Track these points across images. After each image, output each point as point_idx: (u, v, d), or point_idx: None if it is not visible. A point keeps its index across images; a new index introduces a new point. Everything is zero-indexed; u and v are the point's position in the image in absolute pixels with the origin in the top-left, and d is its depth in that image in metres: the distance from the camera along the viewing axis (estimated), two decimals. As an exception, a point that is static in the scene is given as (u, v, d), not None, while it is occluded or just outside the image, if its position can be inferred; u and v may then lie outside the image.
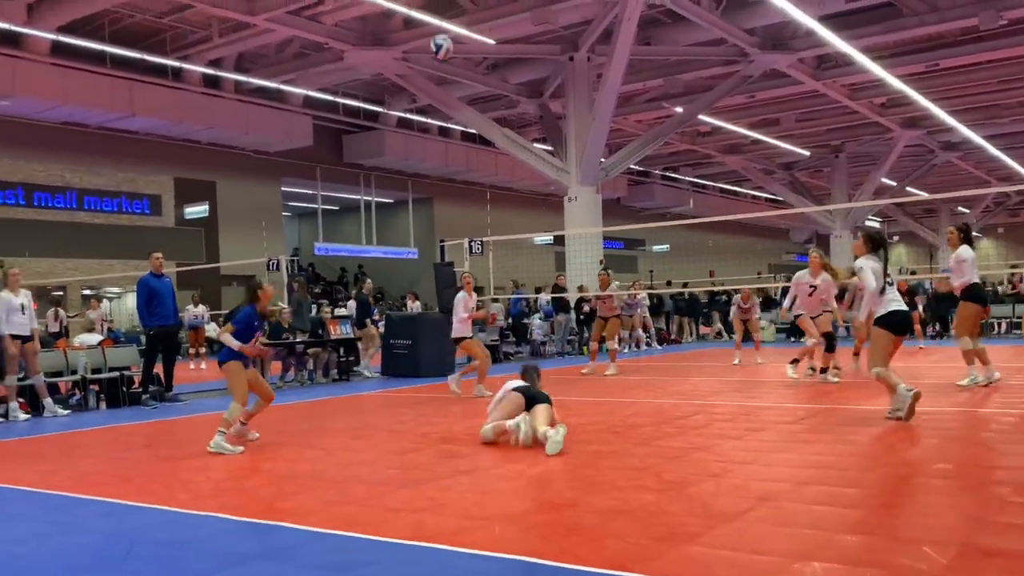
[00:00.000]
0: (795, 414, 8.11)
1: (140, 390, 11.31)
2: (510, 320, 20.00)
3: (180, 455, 7.03)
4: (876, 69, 21.57)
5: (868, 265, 7.10)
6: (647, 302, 19.84)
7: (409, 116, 28.63)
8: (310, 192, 30.50)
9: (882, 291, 7.05)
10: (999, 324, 20.88)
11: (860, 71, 22.61)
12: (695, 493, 4.94)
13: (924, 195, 39.79)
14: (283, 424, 9.02)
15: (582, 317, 18.49)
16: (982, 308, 9.30)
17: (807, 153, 34.41)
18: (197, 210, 26.05)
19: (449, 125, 29.56)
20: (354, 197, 31.82)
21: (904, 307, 7.23)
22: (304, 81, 23.65)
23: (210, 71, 22.72)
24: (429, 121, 29.17)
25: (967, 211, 49.13)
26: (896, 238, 57.73)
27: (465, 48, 20.45)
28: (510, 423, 6.77)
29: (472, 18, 18.62)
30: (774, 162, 36.66)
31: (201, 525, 4.71)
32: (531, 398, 7.03)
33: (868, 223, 50.44)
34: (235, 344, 7.17)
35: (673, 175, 41.21)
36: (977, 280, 9.19)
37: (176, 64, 22.00)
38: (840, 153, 34.84)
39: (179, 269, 25.07)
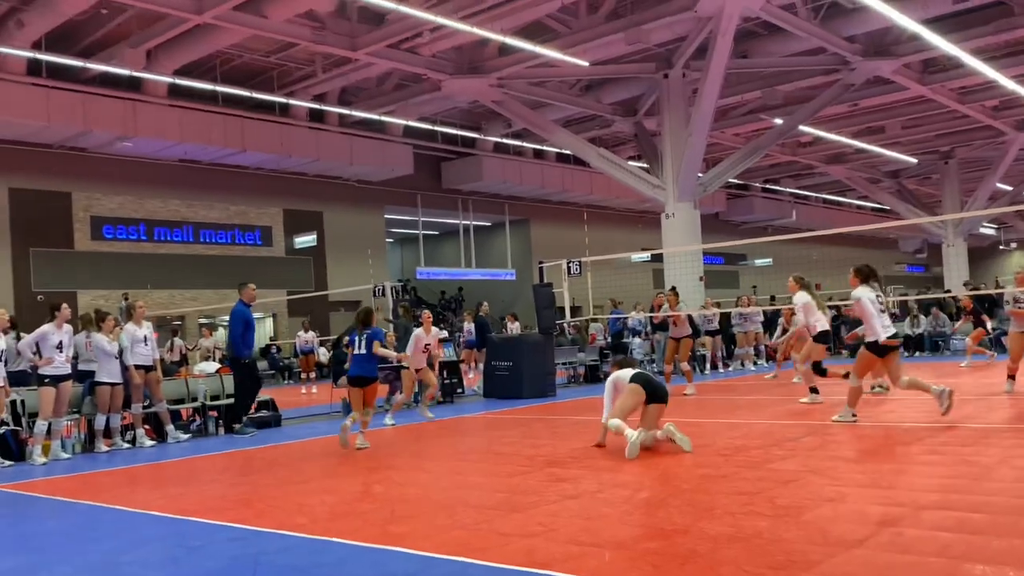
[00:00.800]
0: (912, 434, 7.81)
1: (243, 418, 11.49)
2: (609, 339, 19.90)
3: (296, 479, 7.28)
4: (987, 71, 20.68)
5: (864, 295, 8.14)
6: (760, 318, 19.19)
7: (505, 141, 28.99)
8: (411, 218, 31.19)
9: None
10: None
11: (970, 73, 21.73)
12: (811, 519, 4.83)
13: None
14: (391, 447, 9.21)
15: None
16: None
17: (915, 160, 33.17)
18: (306, 240, 26.98)
19: (544, 147, 29.77)
20: (453, 222, 32.36)
21: (893, 331, 8.21)
22: (403, 111, 24.28)
23: (315, 105, 23.57)
24: (524, 144, 29.46)
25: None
26: (1013, 245, 54.88)
27: (559, 71, 20.61)
28: (628, 433, 7.31)
29: (565, 41, 18.77)
30: (879, 170, 35.46)
31: (321, 550, 4.87)
32: (653, 391, 7.61)
33: (983, 230, 48.19)
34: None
35: (774, 187, 40.32)
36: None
37: (283, 100, 22.91)
38: (950, 159, 33.45)
39: (290, 297, 26.05)
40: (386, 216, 29.85)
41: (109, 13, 17.95)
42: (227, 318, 11.86)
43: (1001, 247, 54.81)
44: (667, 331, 18.68)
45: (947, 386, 8.28)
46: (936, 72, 23.16)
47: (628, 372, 7.79)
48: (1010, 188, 35.91)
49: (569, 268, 16.81)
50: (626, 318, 19.46)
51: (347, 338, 11.50)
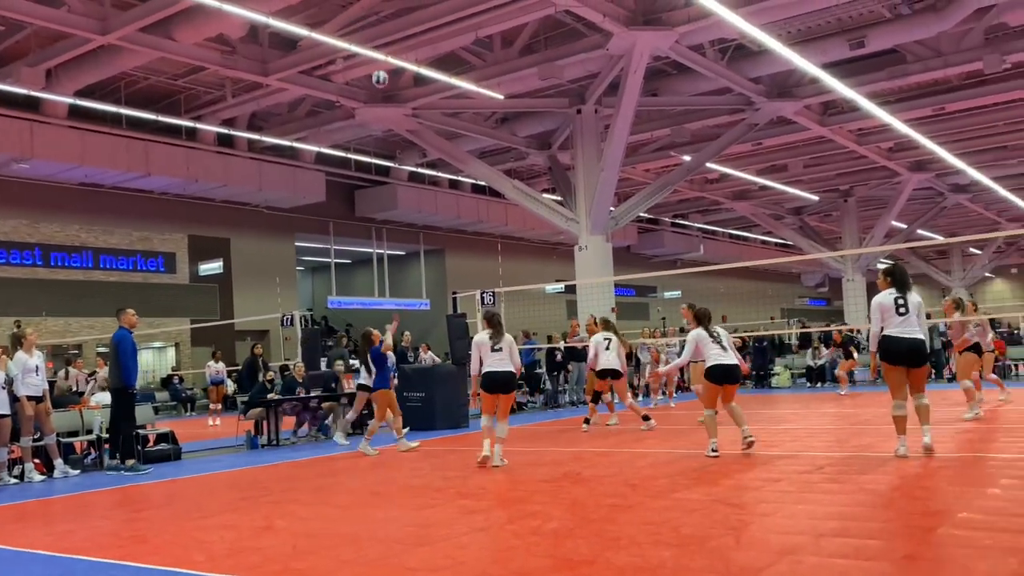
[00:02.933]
0: (813, 463, 8.03)
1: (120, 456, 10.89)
2: (522, 370, 19.92)
3: (194, 514, 7.01)
4: (882, 114, 21.72)
5: (694, 337, 8.96)
6: (675, 349, 19.57)
7: (420, 170, 28.95)
8: (323, 246, 30.75)
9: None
10: (1015, 366, 20.68)
11: (866, 116, 22.77)
12: (714, 548, 4.89)
13: (937, 238, 39.77)
14: (297, 481, 8.98)
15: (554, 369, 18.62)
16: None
17: (816, 198, 34.51)
18: (211, 267, 26.28)
19: (459, 178, 29.85)
20: (366, 250, 32.04)
21: (726, 360, 8.73)
22: (316, 138, 24.01)
23: (224, 130, 23.10)
24: (440, 174, 29.48)
25: (979, 252, 48.99)
26: (909, 280, 57.44)
27: (474, 103, 20.75)
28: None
29: (480, 74, 18.93)
30: (783, 207, 36.75)
31: (217, 588, 4.69)
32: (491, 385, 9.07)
33: (880, 266, 50.37)
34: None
35: (683, 222, 41.36)
36: None
37: (190, 124, 22.38)
38: (849, 197, 34.92)
39: (194, 326, 25.29)
40: (297, 244, 29.34)
41: (6, 30, 17.28)
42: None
43: (896, 282, 57.27)
44: (582, 360, 18.93)
45: (751, 434, 8.87)
46: (835, 114, 24.21)
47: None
48: (904, 226, 37.67)
49: (483, 298, 16.81)
50: (538, 349, 19.53)
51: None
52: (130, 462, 10.39)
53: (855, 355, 18.69)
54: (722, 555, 4.71)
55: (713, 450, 8.66)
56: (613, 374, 11.98)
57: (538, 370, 20.00)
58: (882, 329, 7.70)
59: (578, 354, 18.86)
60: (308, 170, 26.51)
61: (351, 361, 15.27)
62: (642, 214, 32.05)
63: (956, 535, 4.88)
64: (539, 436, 12.51)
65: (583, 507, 6.40)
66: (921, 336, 7.72)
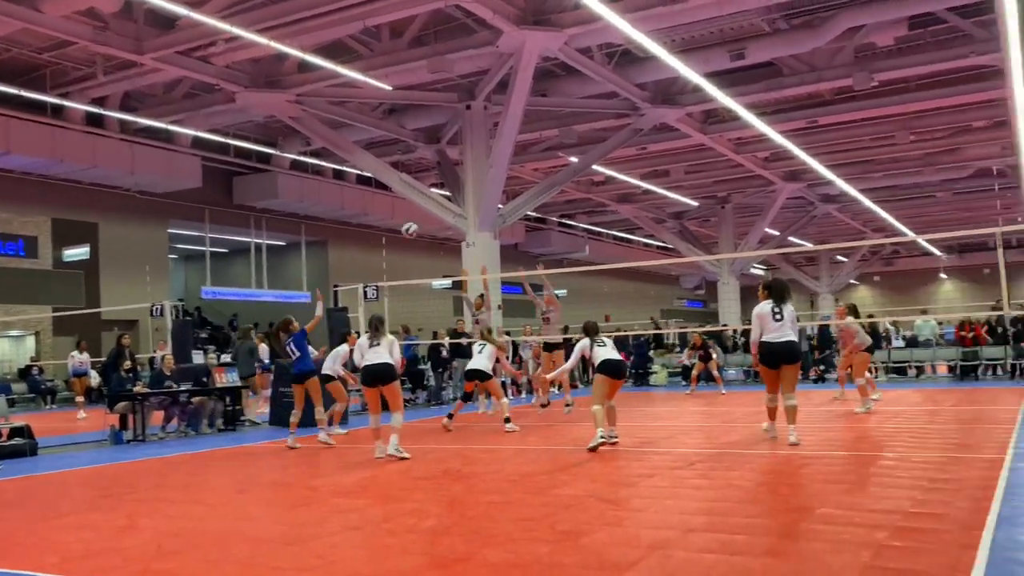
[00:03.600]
0: (686, 459, 8.24)
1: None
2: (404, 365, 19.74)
3: (49, 514, 6.60)
4: (759, 125, 22.56)
5: (581, 346, 9.45)
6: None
7: (303, 159, 28.25)
8: (198, 234, 29.60)
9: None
10: (877, 368, 21.88)
11: (744, 126, 23.61)
12: (588, 543, 4.93)
13: (807, 245, 41.70)
14: (164, 478, 8.61)
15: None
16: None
17: (696, 203, 35.60)
18: (77, 252, 24.87)
19: (345, 168, 29.31)
20: (244, 240, 31.04)
21: (613, 357, 9.22)
22: (193, 121, 23.07)
23: (93, 109, 21.89)
24: (324, 164, 28.86)
25: (845, 260, 51.66)
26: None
27: (360, 93, 20.40)
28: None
29: (368, 63, 18.61)
30: (665, 211, 37.74)
31: (68, 592, 4.42)
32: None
33: (753, 270, 52.50)
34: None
35: (569, 222, 41.94)
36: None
37: (56, 101, 21.12)
38: (727, 204, 36.17)
39: (56, 314, 23.90)
40: (170, 231, 28.12)
41: None
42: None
43: (768, 287, 59.85)
44: (467, 358, 18.90)
45: (607, 436, 9.04)
46: (716, 123, 25.01)
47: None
48: (777, 233, 39.33)
49: (366, 292, 16.55)
50: (417, 344, 19.39)
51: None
52: None
53: (714, 356, 19.22)
54: (595, 550, 4.76)
55: (601, 436, 8.87)
56: (480, 375, 12.17)
57: (421, 366, 19.87)
58: (761, 335, 8.73)
59: (463, 351, 18.85)
60: (184, 154, 25.44)
61: (224, 355, 14.75)
62: (530, 213, 32.35)
63: (816, 529, 5.09)
64: (421, 433, 12.41)
65: (461, 504, 6.37)
66: (794, 338, 8.78)
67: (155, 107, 22.47)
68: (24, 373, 23.34)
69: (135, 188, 25.80)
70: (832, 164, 28.83)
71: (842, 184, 31.01)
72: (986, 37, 18.04)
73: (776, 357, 8.62)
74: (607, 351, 9.30)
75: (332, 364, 12.24)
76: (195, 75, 18.90)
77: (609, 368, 9.20)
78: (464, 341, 18.77)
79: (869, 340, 12.85)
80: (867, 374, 12.83)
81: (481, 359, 12.19)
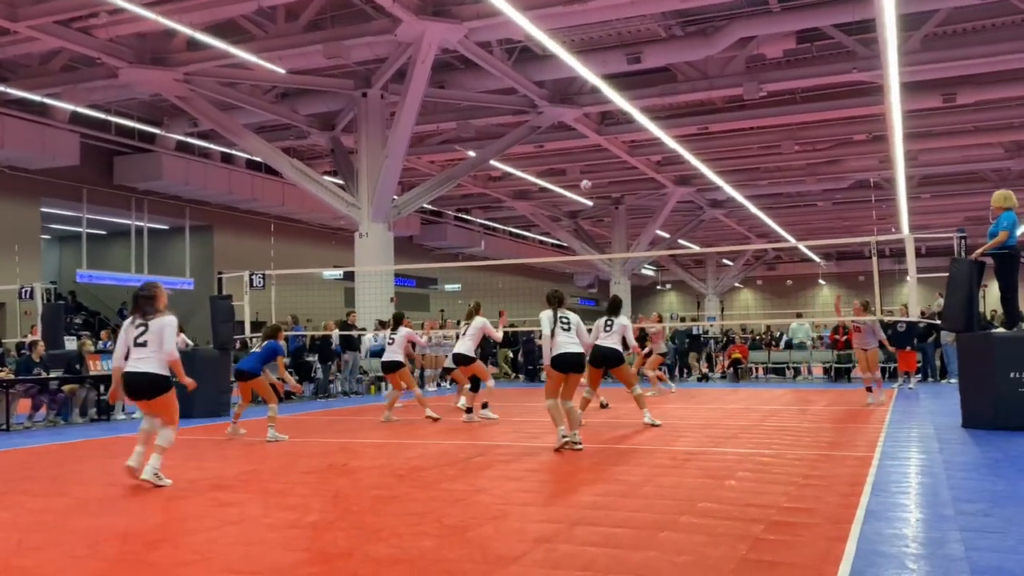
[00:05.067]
0: (573, 455, 8.32)
1: None
2: (289, 357, 19.27)
3: None
4: (653, 128, 23.05)
5: (545, 315, 8.52)
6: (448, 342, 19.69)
7: (189, 140, 27.20)
8: (74, 214, 28.10)
9: (552, 335, 8.42)
10: (757, 368, 22.74)
11: (639, 129, 24.07)
12: (474, 537, 4.91)
13: (695, 248, 42.94)
14: (29, 470, 8.13)
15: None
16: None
17: (590, 203, 36.12)
18: (-62, 229, 23.27)
19: (233, 151, 28.39)
20: (124, 222, 29.63)
21: (572, 349, 8.42)
22: (71, 96, 21.86)
23: (-39, 77, 20.51)
24: (211, 146, 27.87)
25: (731, 264, 53.45)
26: (668, 286, 61.75)
27: (252, 75, 19.80)
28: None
29: (260, 44, 18.06)
30: (560, 209, 38.16)
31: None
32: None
33: (644, 271, 53.74)
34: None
35: (466, 216, 41.89)
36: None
37: (-80, 66, 19.72)
38: (620, 205, 36.84)
39: (-88, 294, 22.29)
40: (43, 210, 26.59)
41: None
42: None
43: (658, 287, 61.46)
44: (356, 351, 18.61)
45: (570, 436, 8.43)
46: (612, 124, 25.42)
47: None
48: (667, 235, 40.34)
49: (252, 280, 16.07)
50: (302, 336, 18.97)
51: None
52: None
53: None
54: (481, 544, 4.73)
55: (563, 436, 8.37)
56: (464, 359, 11.78)
57: (308, 358, 19.43)
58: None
59: (354, 343, 18.55)
60: (60, 130, 24.07)
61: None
62: (426, 205, 32.18)
63: (696, 523, 5.20)
64: (307, 426, 12.14)
65: (346, 499, 6.24)
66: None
67: (29, 78, 21.20)
68: None
69: (5, 163, 24.28)
70: (721, 170, 29.74)
71: (730, 190, 32.02)
72: (868, 55, 18.94)
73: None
74: (568, 339, 8.39)
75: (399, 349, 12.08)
76: (75, 47, 17.92)
77: (562, 363, 8.37)
78: (355, 333, 18.52)
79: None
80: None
81: (464, 343, 11.67)
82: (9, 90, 21.21)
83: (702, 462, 7.75)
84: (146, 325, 6.81)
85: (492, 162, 26.19)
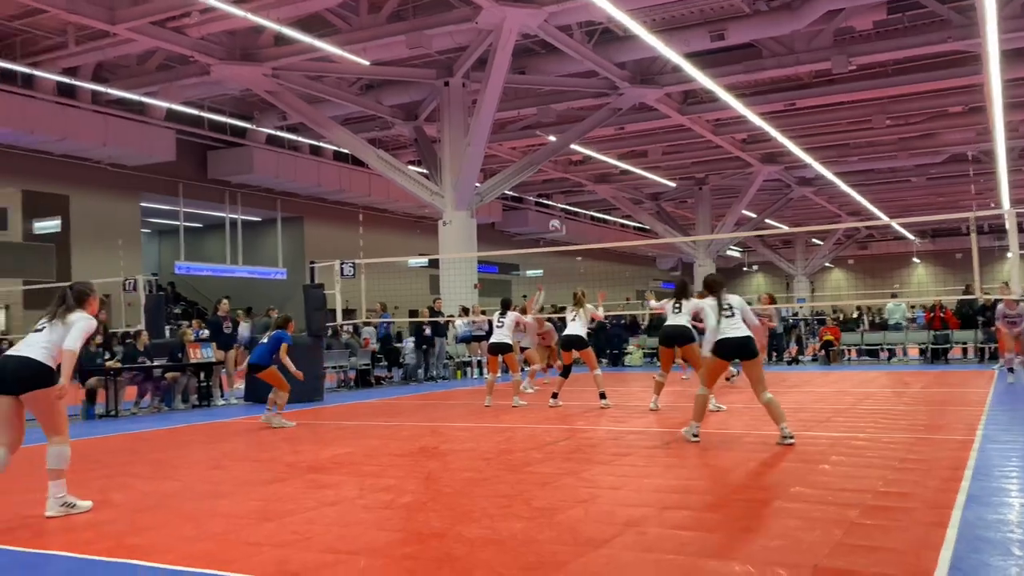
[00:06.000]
0: (660, 438, 8.30)
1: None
2: (378, 344, 19.69)
3: (18, 488, 6.52)
4: (737, 106, 22.61)
5: (707, 304, 7.94)
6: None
7: (279, 133, 27.95)
8: (172, 208, 29.26)
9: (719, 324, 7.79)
10: (850, 351, 22.12)
11: (723, 108, 23.65)
12: (563, 520, 4.96)
13: (783, 228, 41.98)
14: (137, 454, 8.55)
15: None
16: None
17: (673, 184, 35.69)
18: (48, 225, 24.50)
19: (321, 144, 29.06)
20: (219, 215, 30.74)
21: (738, 333, 7.69)
22: (167, 94, 22.74)
23: (65, 79, 21.52)
24: (300, 139, 28.59)
25: (820, 243, 52.07)
26: (755, 268, 60.56)
27: (338, 68, 20.19)
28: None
29: (345, 37, 18.41)
30: (642, 192, 37.81)
31: (41, 564, 4.38)
32: None
33: (730, 252, 52.81)
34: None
35: (547, 201, 41.90)
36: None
37: (27, 70, 20.73)
38: (704, 185, 36.29)
39: (27, 287, 23.57)
40: (143, 204, 27.77)
41: None
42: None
43: (745, 269, 60.32)
44: (444, 336, 18.86)
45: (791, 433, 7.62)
46: (695, 104, 25.03)
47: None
48: (754, 215, 39.55)
49: (342, 269, 16.48)
50: (391, 322, 19.33)
51: None
52: None
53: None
54: (570, 527, 4.78)
55: (693, 434, 7.86)
56: (577, 342, 11.54)
57: (396, 344, 19.82)
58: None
59: (441, 329, 18.82)
60: (158, 127, 25.08)
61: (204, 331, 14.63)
62: (507, 192, 32.29)
63: (788, 507, 5.14)
64: (397, 410, 12.41)
65: (437, 481, 6.37)
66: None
67: (128, 78, 22.14)
68: (-7, 347, 23.03)
69: (107, 161, 25.44)
70: (809, 147, 28.99)
71: (818, 167, 31.20)
72: (964, 23, 18.15)
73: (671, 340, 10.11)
74: (730, 324, 7.72)
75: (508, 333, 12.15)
76: (169, 46, 18.62)
77: (726, 348, 7.70)
78: (442, 320, 18.78)
79: None
80: None
81: (576, 326, 11.46)
82: (110, 90, 22.18)
83: (793, 447, 7.62)
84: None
85: (573, 146, 26.10)
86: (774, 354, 22.40)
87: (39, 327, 5.53)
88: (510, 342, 12.21)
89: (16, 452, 5.54)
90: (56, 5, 16.49)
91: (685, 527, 4.73)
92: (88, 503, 5.64)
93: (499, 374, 12.58)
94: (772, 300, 17.22)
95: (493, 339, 12.30)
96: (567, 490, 5.85)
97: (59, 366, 5.42)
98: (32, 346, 5.40)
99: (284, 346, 10.58)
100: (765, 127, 25.12)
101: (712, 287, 8.00)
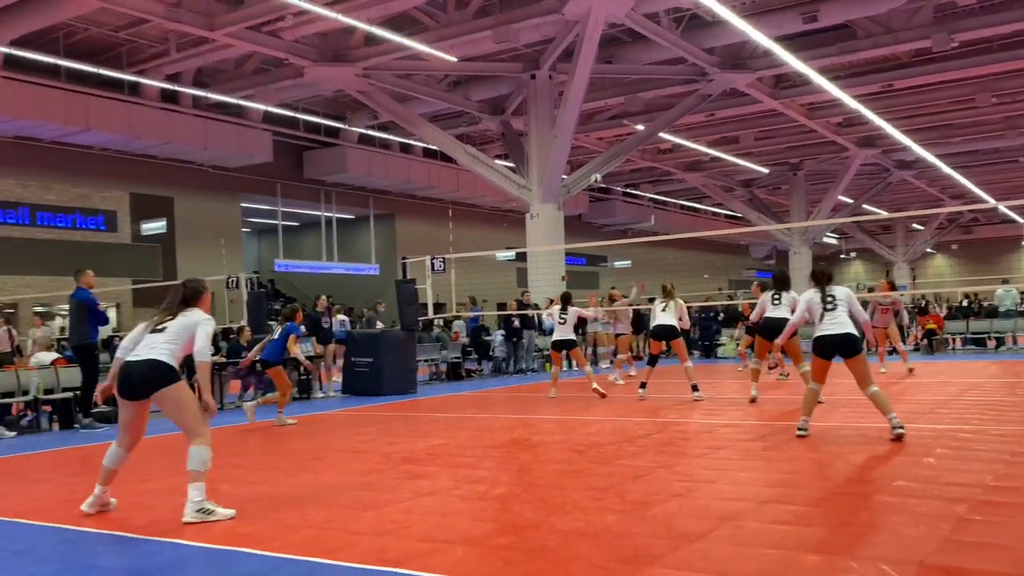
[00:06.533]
0: (756, 431, 8.17)
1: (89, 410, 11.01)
2: (468, 337, 19.92)
3: (136, 478, 6.87)
4: (832, 89, 21.96)
5: (806, 299, 7.69)
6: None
7: (370, 132, 28.53)
8: (270, 208, 30.23)
9: (821, 318, 7.46)
10: (954, 339, 21.28)
11: (817, 91, 23.01)
12: (658, 513, 4.94)
13: (882, 213, 40.58)
14: (243, 445, 8.88)
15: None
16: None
17: (766, 171, 34.91)
18: (154, 226, 25.66)
19: (411, 141, 29.52)
20: (315, 213, 31.60)
21: (837, 330, 7.33)
22: (264, 96, 23.48)
23: (167, 85, 22.46)
24: (391, 137, 29.11)
25: (921, 228, 50.13)
26: (853, 254, 58.70)
27: (426, 65, 20.46)
28: None
29: (433, 35, 18.65)
30: (733, 179, 37.11)
31: (158, 551, 4.61)
32: None
33: (826, 239, 51.31)
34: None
35: (634, 192, 41.53)
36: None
37: (132, 78, 21.71)
38: (798, 171, 35.38)
39: (135, 286, 24.72)
40: (242, 205, 28.79)
41: (-63, -26, 16.52)
42: (66, 307, 11.23)
43: (842, 256, 58.55)
44: (533, 329, 18.96)
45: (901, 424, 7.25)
46: (787, 87, 24.42)
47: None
48: (851, 201, 38.34)
49: (432, 264, 16.72)
50: (480, 315, 19.51)
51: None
52: (86, 420, 10.70)
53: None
54: (665, 520, 4.76)
55: (800, 428, 7.57)
56: (669, 332, 11.46)
57: (486, 337, 20.00)
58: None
59: (529, 322, 18.92)
60: (255, 129, 25.94)
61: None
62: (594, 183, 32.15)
63: (891, 502, 5.00)
64: (488, 402, 12.54)
65: (530, 473, 6.43)
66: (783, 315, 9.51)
67: (226, 82, 22.94)
68: (107, 343, 24.23)
69: (208, 163, 26.45)
70: (908, 129, 27.95)
71: (919, 150, 30.07)
72: (1077, -8, 17.18)
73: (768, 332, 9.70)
74: (831, 319, 7.39)
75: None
76: (265, 50, 19.21)
77: (821, 346, 7.39)
78: (531, 313, 18.86)
79: None
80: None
81: (667, 316, 11.43)
82: (210, 95, 23.02)
83: (895, 439, 7.39)
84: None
85: (661, 134, 25.80)
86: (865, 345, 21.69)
87: (159, 327, 5.49)
88: (574, 337, 12.31)
89: (133, 450, 5.70)
90: (158, 14, 17.21)
91: (784, 521, 4.65)
92: (231, 511, 5.30)
93: (563, 368, 12.68)
94: (892, 287, 16.12)
95: (556, 336, 12.41)
96: (661, 483, 5.82)
97: (181, 365, 5.54)
98: (155, 347, 5.38)
99: (292, 336, 10.61)
100: (861, 109, 24.33)
101: (817, 278, 7.68)
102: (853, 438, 7.52)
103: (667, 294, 11.69)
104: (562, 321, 12.32)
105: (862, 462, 6.37)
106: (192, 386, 5.91)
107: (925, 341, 20.54)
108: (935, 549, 4.01)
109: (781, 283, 10.35)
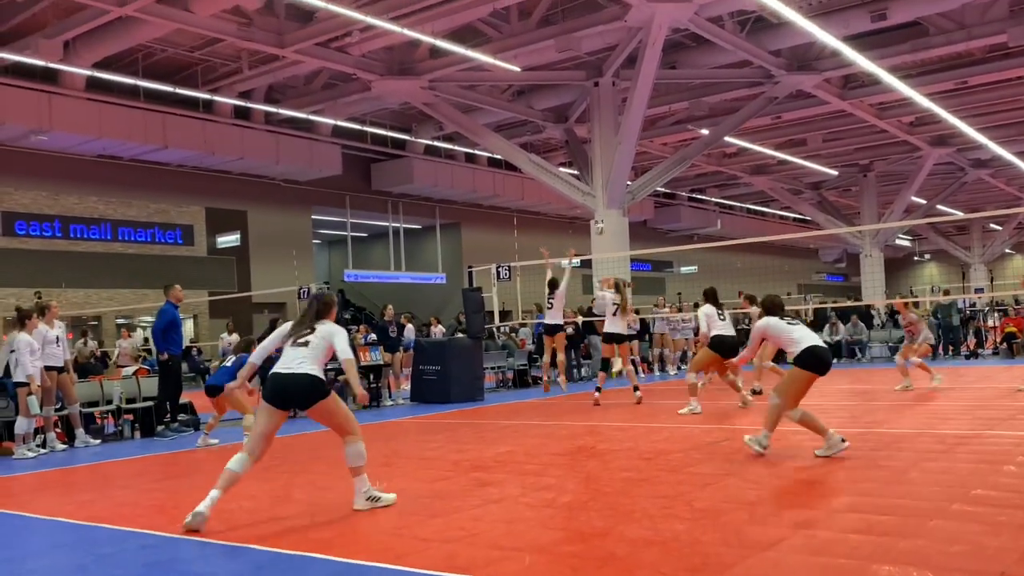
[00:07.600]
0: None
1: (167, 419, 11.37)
2: (534, 344, 19.94)
3: (213, 485, 7.08)
4: (903, 88, 21.44)
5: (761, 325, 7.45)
6: (691, 325, 19.35)
7: (436, 143, 28.88)
8: (339, 220, 30.83)
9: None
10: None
11: (887, 90, 22.49)
12: (728, 521, 4.91)
13: (957, 214, 39.37)
14: (314, 452, 9.07)
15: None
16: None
17: (835, 172, 34.19)
18: (229, 239, 26.40)
19: (476, 151, 29.77)
20: (382, 224, 32.10)
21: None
22: (333, 111, 23.99)
23: (240, 103, 23.11)
24: (456, 148, 29.41)
25: (999, 228, 48.46)
26: (927, 256, 57.03)
27: (490, 76, 20.64)
28: None
29: (497, 46, 18.80)
30: (801, 182, 36.44)
31: (237, 556, 4.76)
32: None
33: (899, 242, 49.97)
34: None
35: (700, 196, 41.11)
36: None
37: (207, 96, 22.40)
38: (869, 172, 34.57)
39: (212, 298, 25.46)
40: (313, 217, 29.43)
41: (25, 2, 17.29)
42: (148, 319, 11.67)
43: (916, 258, 56.93)
44: (599, 335, 18.88)
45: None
46: (855, 88, 23.91)
47: None
48: (924, 202, 37.30)
49: (498, 273, 16.83)
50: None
51: None
52: (160, 428, 11.13)
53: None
54: (735, 528, 4.73)
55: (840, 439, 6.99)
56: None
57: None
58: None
59: (594, 329, 18.86)
60: (325, 143, 26.51)
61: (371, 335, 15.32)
62: (659, 188, 31.90)
63: (969, 511, 4.88)
64: (554, 410, 12.56)
65: (597, 480, 6.44)
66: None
67: (296, 98, 23.49)
68: (185, 354, 24.95)
69: (280, 177, 27.12)
70: (984, 127, 27.09)
71: (995, 147, 29.14)
72: None
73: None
74: (802, 333, 7.37)
75: None
76: (333, 65, 19.64)
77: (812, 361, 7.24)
78: (593, 319, 18.80)
79: None
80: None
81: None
82: (281, 110, 23.62)
83: (974, 446, 7.20)
84: (309, 339, 5.83)
85: (727, 138, 25.51)
86: (950, 348, 21.09)
87: (300, 341, 5.74)
88: (562, 323, 12.54)
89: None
90: (230, 34, 17.76)
91: (856, 530, 4.58)
92: (392, 496, 5.86)
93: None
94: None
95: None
96: (730, 491, 5.77)
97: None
98: (306, 362, 5.66)
99: (362, 346, 10.76)
100: (934, 108, 23.67)
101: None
102: (928, 445, 7.34)
103: (714, 301, 11.06)
104: (549, 306, 12.84)
105: (939, 469, 6.22)
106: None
107: (1004, 344, 19.84)
108: (1018, 559, 3.90)
109: (716, 299, 11.02)
